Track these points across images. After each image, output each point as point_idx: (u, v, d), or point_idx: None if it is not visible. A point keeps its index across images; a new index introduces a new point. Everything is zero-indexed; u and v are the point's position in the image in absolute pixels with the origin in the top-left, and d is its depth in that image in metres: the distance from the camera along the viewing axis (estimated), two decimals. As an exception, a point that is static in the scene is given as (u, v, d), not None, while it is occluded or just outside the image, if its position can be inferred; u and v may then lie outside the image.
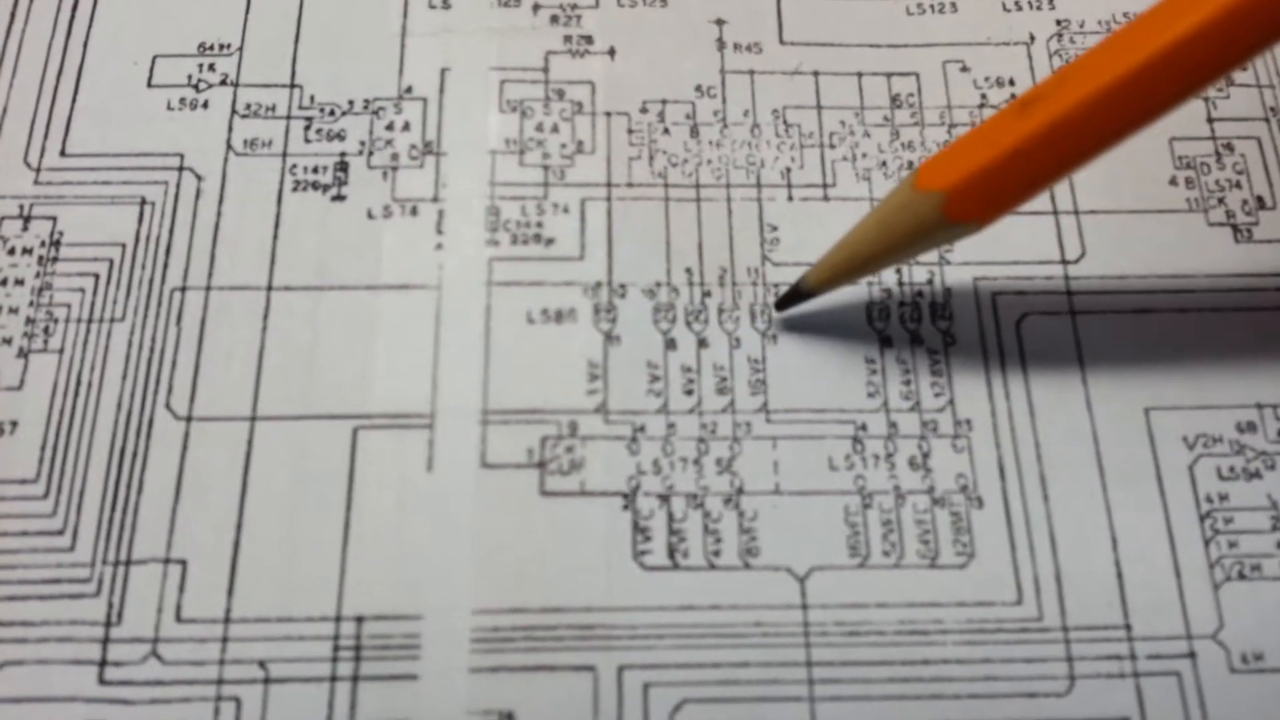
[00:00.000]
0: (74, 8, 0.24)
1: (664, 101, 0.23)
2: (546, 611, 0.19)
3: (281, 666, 0.19)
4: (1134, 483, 0.20)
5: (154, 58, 0.23)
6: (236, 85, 0.23)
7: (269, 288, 0.21)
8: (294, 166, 0.22)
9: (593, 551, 0.20)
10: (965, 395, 0.21)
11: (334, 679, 0.19)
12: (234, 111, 0.23)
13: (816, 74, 0.24)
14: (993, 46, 0.24)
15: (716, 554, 0.20)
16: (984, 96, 0.23)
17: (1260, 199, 0.23)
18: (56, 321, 0.21)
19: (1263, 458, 0.20)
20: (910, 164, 0.23)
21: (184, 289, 0.21)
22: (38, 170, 0.22)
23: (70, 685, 0.19)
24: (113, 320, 0.21)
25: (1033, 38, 0.24)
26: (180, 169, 0.22)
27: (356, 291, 0.21)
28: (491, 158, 0.23)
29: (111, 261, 0.21)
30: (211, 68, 0.23)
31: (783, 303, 0.21)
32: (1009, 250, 0.22)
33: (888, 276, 0.22)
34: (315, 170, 0.22)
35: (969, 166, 0.18)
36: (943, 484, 0.20)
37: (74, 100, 0.23)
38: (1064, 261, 0.22)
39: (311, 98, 0.23)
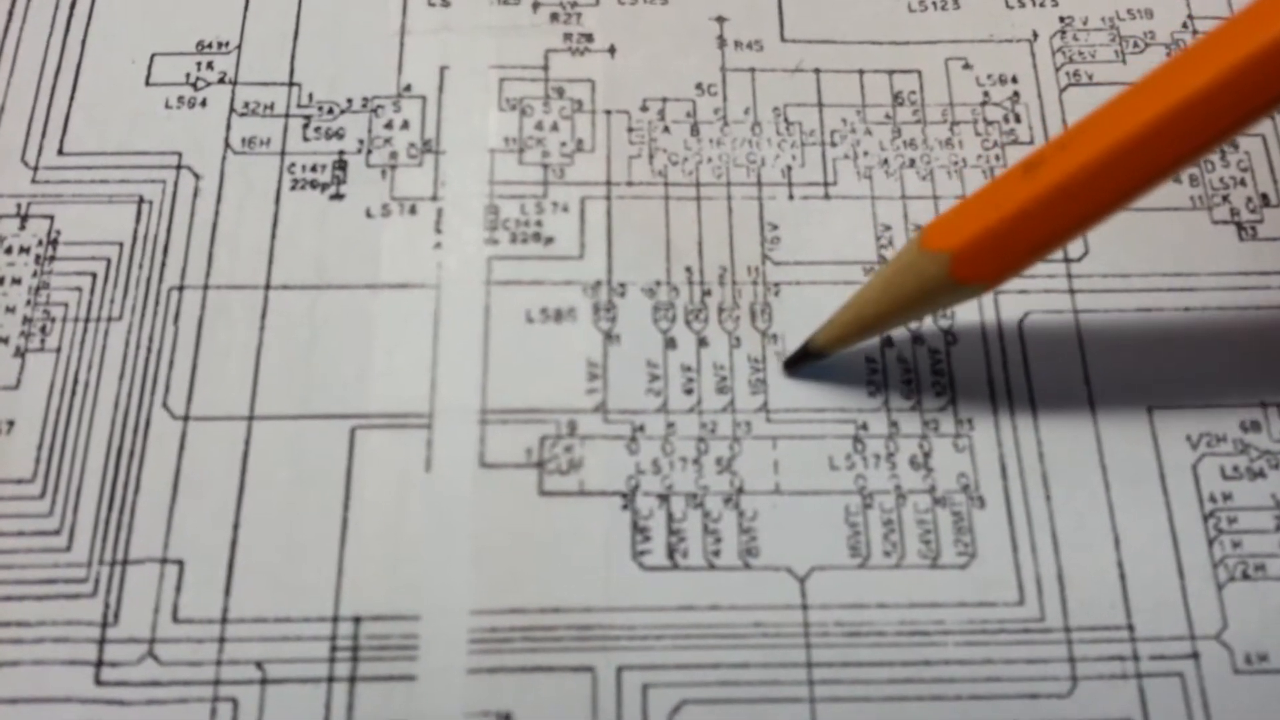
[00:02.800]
0: (72, 6, 0.24)
1: (664, 99, 0.23)
2: (545, 612, 0.19)
3: (278, 667, 0.19)
4: (1137, 482, 0.20)
5: (152, 56, 0.23)
6: (235, 83, 0.23)
7: (267, 287, 0.21)
8: (292, 165, 0.22)
9: (592, 552, 0.20)
10: (967, 394, 0.21)
11: (331, 680, 0.19)
12: (232, 110, 0.23)
13: (818, 71, 0.23)
14: (995, 44, 0.24)
15: (716, 554, 0.20)
16: (986, 94, 0.23)
17: (1265, 196, 0.22)
18: (54, 320, 0.21)
19: (1267, 457, 0.20)
20: (912, 161, 0.23)
21: (182, 288, 0.21)
22: (35, 169, 0.22)
23: (66, 686, 0.19)
24: (110, 319, 0.21)
25: (1036, 35, 0.24)
26: (178, 167, 0.22)
27: (355, 290, 0.21)
28: (491, 156, 0.22)
29: (109, 260, 0.21)
30: (210, 66, 0.23)
31: (791, 363, 0.21)
32: (1011, 248, 0.22)
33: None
34: (314, 169, 0.22)
35: (975, 227, 0.18)
36: (944, 483, 0.20)
37: (71, 98, 0.23)
38: (1067, 260, 0.22)
39: (310, 96, 0.23)
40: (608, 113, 0.23)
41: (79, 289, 0.21)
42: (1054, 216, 0.18)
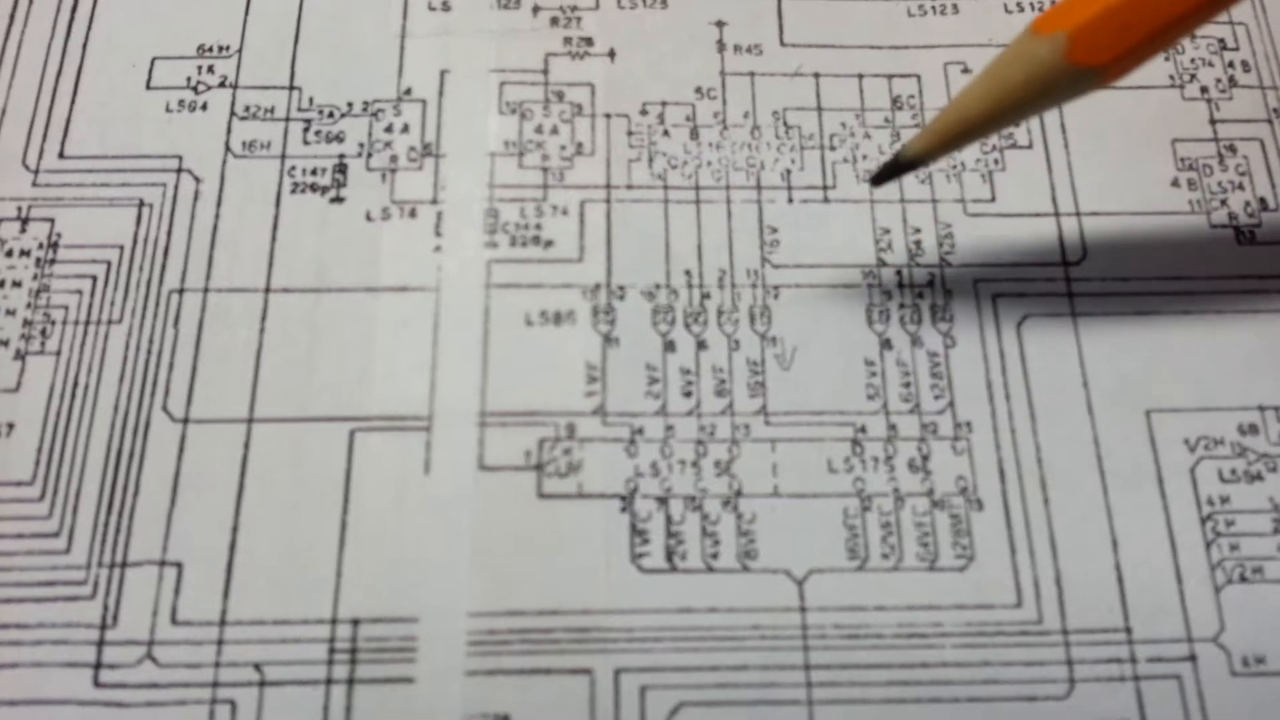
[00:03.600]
0: (73, 9, 0.24)
1: (664, 103, 0.23)
2: (543, 614, 0.19)
3: (277, 669, 0.19)
4: (1135, 485, 0.20)
5: (153, 60, 0.23)
6: (235, 87, 0.23)
7: (267, 290, 0.21)
8: (292, 168, 0.22)
9: (590, 554, 0.20)
10: (965, 397, 0.21)
11: (329, 682, 0.19)
12: (233, 113, 0.23)
13: (817, 76, 0.23)
14: (994, 48, 0.24)
15: (715, 556, 0.20)
16: (985, 98, 0.23)
17: (1263, 201, 0.22)
18: (54, 323, 0.21)
19: (1264, 460, 0.20)
20: (910, 165, 0.23)
21: (182, 291, 0.21)
22: (36, 172, 0.22)
23: (65, 688, 0.19)
24: (110, 322, 0.21)
25: (1034, 39, 0.24)
26: (179, 171, 0.22)
27: (355, 294, 0.21)
28: (491, 160, 0.23)
29: (109, 263, 0.21)
30: (210, 70, 0.23)
31: (880, 177, 0.20)
32: (1010, 252, 0.22)
33: (887, 276, 0.21)
34: (314, 172, 0.22)
35: (1095, 7, 0.17)
36: (942, 486, 0.20)
37: (72, 102, 0.23)
38: (1065, 263, 0.22)
39: (310, 100, 0.23)
40: (607, 116, 0.23)
41: (79, 292, 0.21)
42: None
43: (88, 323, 0.21)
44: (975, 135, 0.19)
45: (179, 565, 0.19)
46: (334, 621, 0.19)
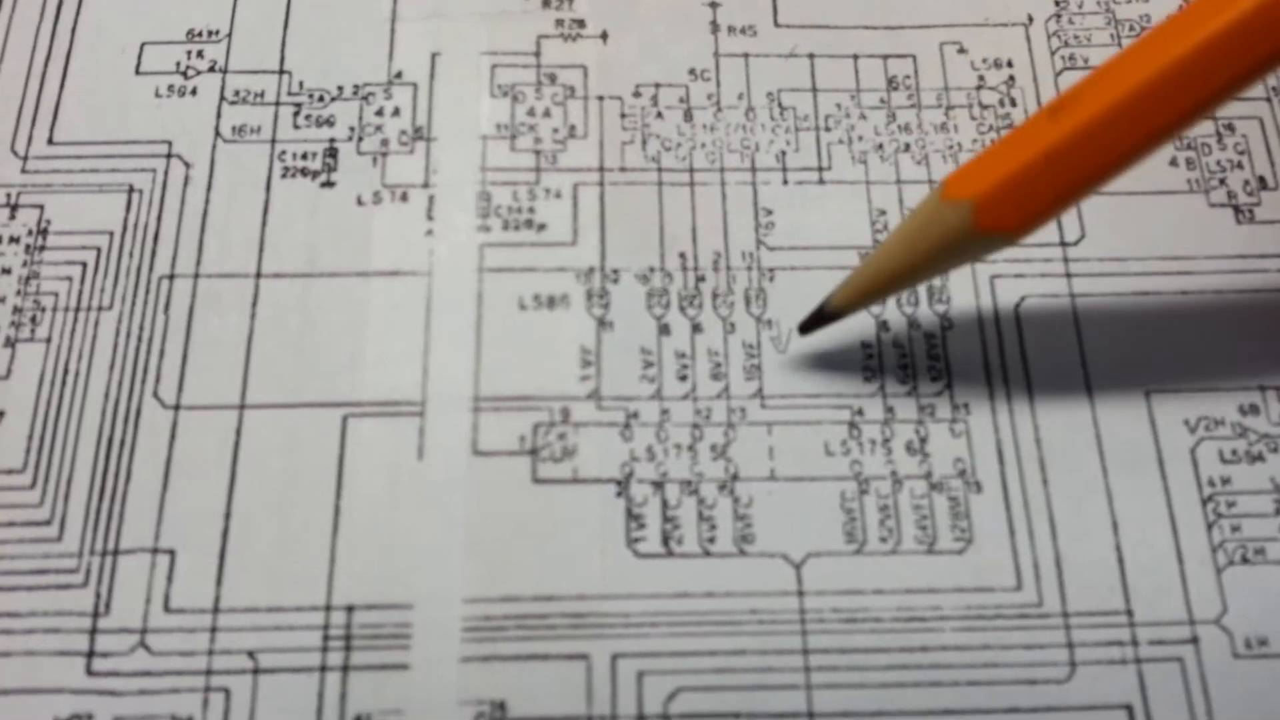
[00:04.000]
0: (61, -5, 0.24)
1: (657, 85, 0.23)
2: (539, 600, 0.19)
3: (271, 657, 0.19)
4: (1135, 466, 0.20)
5: (142, 45, 0.23)
6: (225, 72, 0.23)
7: (258, 275, 0.21)
8: (283, 153, 0.22)
9: (586, 539, 0.19)
10: (963, 379, 0.21)
11: (324, 669, 0.18)
12: (223, 98, 0.23)
13: (812, 56, 0.23)
14: (990, 27, 0.24)
15: (711, 541, 0.19)
16: (981, 78, 0.23)
17: (1262, 179, 0.22)
18: (44, 310, 0.21)
19: (1265, 440, 0.20)
20: (907, 146, 0.22)
21: (172, 277, 0.21)
22: (25, 158, 0.22)
23: (58, 676, 0.18)
24: (100, 309, 0.21)
25: (1031, 19, 0.24)
26: (168, 156, 0.22)
27: (346, 278, 0.21)
28: (483, 143, 0.22)
29: (99, 250, 0.21)
30: (200, 55, 0.23)
31: (806, 326, 0.20)
32: (1007, 233, 0.22)
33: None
34: (304, 157, 0.22)
35: (999, 174, 0.18)
36: (940, 469, 0.20)
37: (61, 88, 0.23)
38: (1063, 244, 0.22)
39: (300, 84, 0.23)
40: (600, 99, 0.23)
41: (69, 278, 0.21)
42: (1081, 159, 0.17)
43: (78, 309, 0.21)
44: (893, 290, 0.19)
45: (171, 552, 0.19)
46: (328, 608, 0.19)
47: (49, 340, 0.21)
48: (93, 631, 0.19)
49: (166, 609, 0.19)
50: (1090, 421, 0.20)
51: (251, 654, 0.19)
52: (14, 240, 0.21)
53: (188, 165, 0.22)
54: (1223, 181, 0.22)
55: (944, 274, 0.20)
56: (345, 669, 0.19)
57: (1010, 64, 0.23)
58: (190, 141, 0.22)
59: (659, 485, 0.20)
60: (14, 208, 0.22)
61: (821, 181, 0.22)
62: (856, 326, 0.21)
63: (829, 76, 0.23)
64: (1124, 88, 0.17)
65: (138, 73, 0.23)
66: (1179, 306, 0.21)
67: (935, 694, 0.18)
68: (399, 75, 0.23)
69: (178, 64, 0.23)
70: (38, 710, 0.18)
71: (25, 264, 0.21)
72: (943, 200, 0.18)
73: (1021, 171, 0.17)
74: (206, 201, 0.22)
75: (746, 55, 0.23)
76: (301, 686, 0.18)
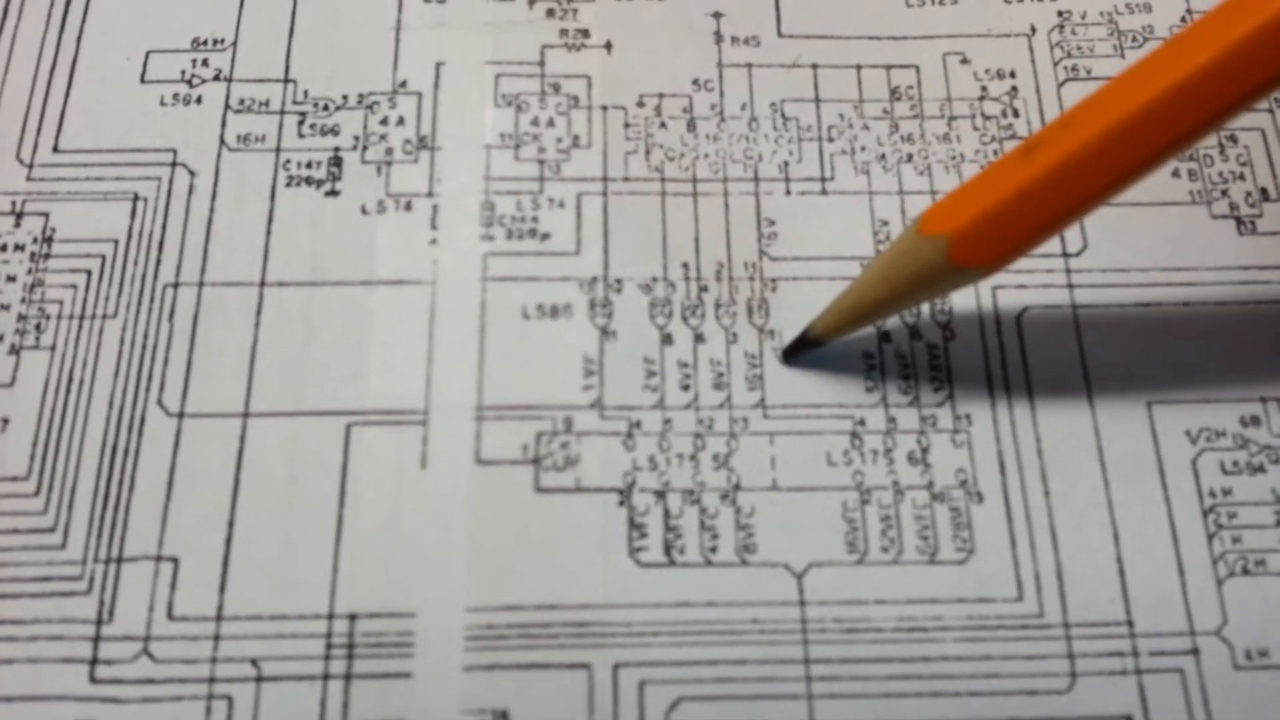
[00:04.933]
0: (67, 3, 0.24)
1: (661, 95, 0.23)
2: (541, 609, 0.19)
3: (274, 665, 0.19)
4: (1136, 477, 0.20)
5: (147, 53, 0.23)
6: (230, 80, 0.23)
7: (262, 283, 0.21)
8: (287, 162, 0.22)
9: (588, 548, 0.19)
10: (965, 390, 0.21)
11: (327, 677, 0.19)
12: (227, 107, 0.23)
13: (815, 67, 0.23)
14: (993, 38, 0.24)
15: (713, 550, 0.19)
16: (984, 89, 0.23)
17: (1264, 191, 0.22)
18: (48, 318, 0.21)
19: (1267, 452, 0.20)
20: (910, 156, 0.23)
21: (177, 285, 0.21)
22: (30, 166, 0.22)
23: (61, 684, 0.18)
24: (105, 317, 0.21)
25: (1034, 29, 0.24)
26: (173, 164, 0.22)
27: (350, 287, 0.21)
28: (487, 152, 0.22)
29: (104, 258, 0.21)
30: (205, 63, 0.23)
31: (790, 352, 0.21)
32: (1009, 243, 0.22)
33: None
34: (309, 165, 0.22)
35: (973, 210, 0.18)
36: (942, 479, 0.20)
37: (67, 96, 0.23)
38: (1065, 255, 0.22)
39: (305, 93, 0.23)
40: (604, 108, 0.23)
41: (74, 286, 0.21)
42: (1053, 198, 0.17)
43: (82, 317, 0.21)
44: (871, 320, 0.20)
45: (175, 560, 0.19)
46: (331, 616, 0.19)
47: (54, 348, 0.21)
48: (96, 639, 0.19)
49: (170, 617, 0.19)
50: (1092, 432, 0.20)
51: (254, 662, 0.19)
52: (19, 248, 0.21)
53: (192, 173, 0.22)
54: (1225, 193, 0.22)
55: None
56: (348, 677, 0.19)
57: (1013, 75, 0.23)
58: (195, 150, 0.22)
59: (661, 495, 0.20)
60: (19, 215, 0.22)
61: (824, 192, 0.22)
62: (858, 337, 0.21)
63: (832, 87, 0.23)
64: (1096, 128, 0.17)
65: (143, 81, 0.23)
66: (1181, 317, 0.21)
67: (936, 704, 0.19)
68: (403, 84, 0.23)
69: (183, 72, 0.23)
70: (41, 717, 0.18)
71: (30, 271, 0.21)
72: (919, 234, 0.18)
73: (995, 209, 0.18)
74: (211, 210, 0.22)
75: (750, 66, 0.23)
76: (304, 695, 0.18)
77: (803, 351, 0.21)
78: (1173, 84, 0.16)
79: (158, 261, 0.21)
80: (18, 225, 0.22)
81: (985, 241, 0.18)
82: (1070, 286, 0.21)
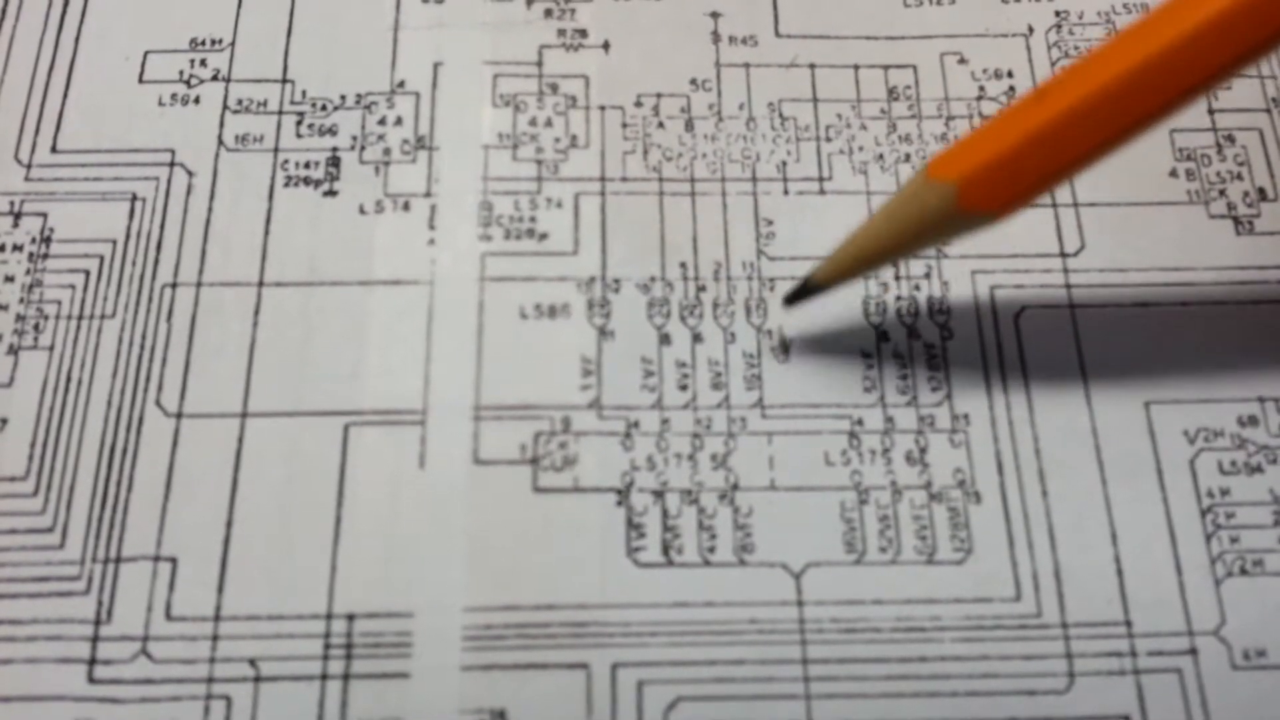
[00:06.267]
0: (65, 3, 0.24)
1: (659, 95, 0.23)
2: (539, 609, 0.19)
3: (272, 665, 0.19)
4: (1134, 477, 0.20)
5: (145, 53, 0.23)
6: (228, 81, 0.23)
7: (260, 284, 0.21)
8: (285, 162, 0.22)
9: (586, 548, 0.19)
10: (963, 390, 0.21)
11: (325, 677, 0.19)
12: (225, 107, 0.23)
13: (813, 66, 0.23)
14: (991, 38, 0.24)
15: (711, 550, 0.19)
16: (982, 89, 0.23)
17: (1262, 191, 0.22)
18: (47, 318, 0.21)
19: (1265, 452, 0.20)
20: (907, 156, 0.23)
21: (175, 285, 0.21)
22: (28, 166, 0.22)
23: (59, 684, 0.18)
24: (103, 317, 0.21)
25: (1031, 29, 0.24)
26: (171, 165, 0.22)
27: (348, 287, 0.21)
28: (485, 152, 0.22)
29: (102, 258, 0.21)
30: (203, 63, 0.23)
31: (791, 298, 0.21)
32: (1007, 243, 0.22)
33: (884, 269, 0.21)
34: (307, 165, 0.22)
35: (983, 155, 0.18)
36: (940, 479, 0.20)
37: (65, 96, 0.23)
38: (1063, 255, 0.22)
39: (303, 93, 0.23)
40: (602, 108, 0.23)
41: (72, 286, 0.21)
42: (1063, 144, 0.17)
43: (81, 317, 0.21)
44: (875, 266, 0.20)
45: (173, 560, 0.19)
46: (329, 617, 0.19)
47: (52, 348, 0.21)
48: (94, 639, 0.19)
49: (168, 617, 0.19)
50: (1090, 432, 0.20)
51: (253, 662, 0.19)
52: (17, 248, 0.21)
53: (190, 174, 0.22)
54: (1223, 193, 0.22)
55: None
56: (346, 677, 0.19)
57: (1011, 74, 0.23)
58: (193, 150, 0.22)
59: (659, 494, 0.20)
60: (17, 215, 0.22)
61: (822, 192, 0.22)
62: (856, 337, 0.21)
63: (830, 87, 0.23)
64: (1108, 74, 0.17)
65: (141, 81, 0.23)
66: (1178, 317, 0.21)
67: (934, 704, 0.19)
68: (401, 84, 0.23)
69: (181, 73, 0.23)
70: (39, 718, 0.18)
71: (28, 272, 0.21)
72: (928, 179, 0.18)
73: (1005, 154, 0.18)
74: (209, 210, 0.22)
75: (748, 65, 0.23)
76: (302, 695, 0.18)
77: (805, 298, 0.20)
78: (1186, 31, 0.16)
79: (156, 261, 0.21)
80: (16, 225, 0.22)
81: (994, 187, 0.18)
82: (1068, 286, 0.21)
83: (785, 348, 0.21)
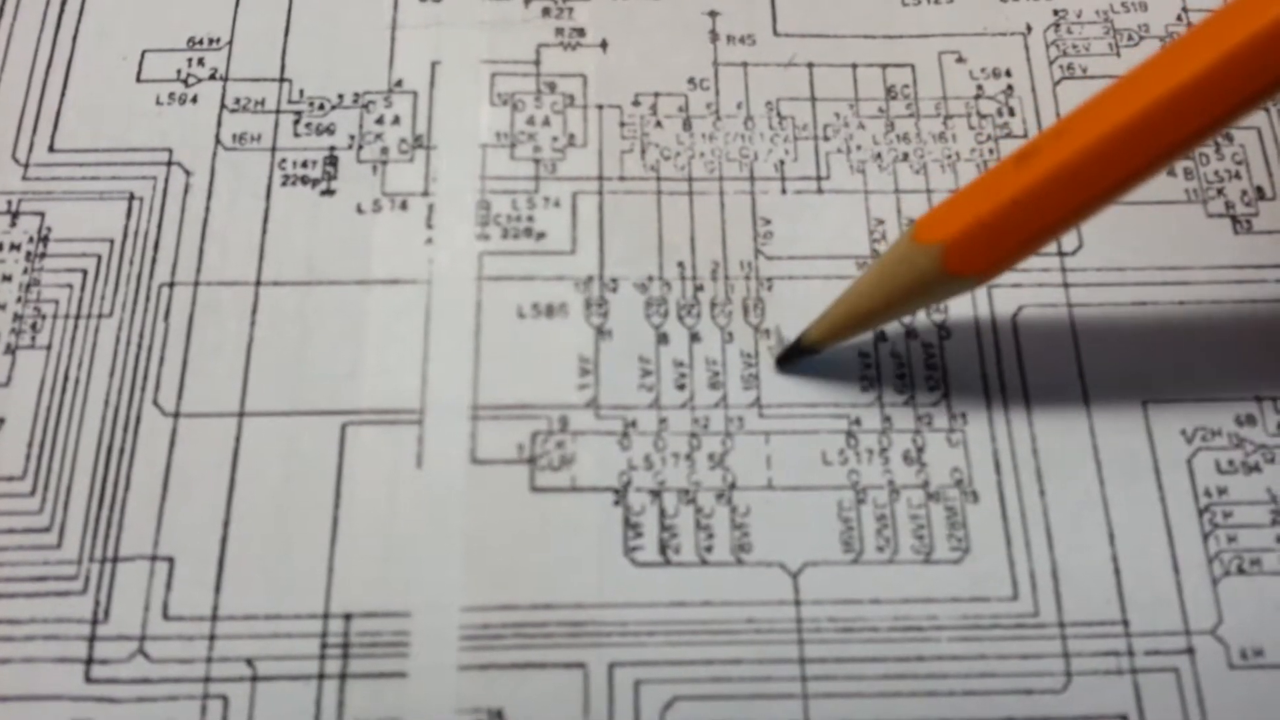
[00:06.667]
0: (63, 3, 0.24)
1: (656, 94, 0.23)
2: (536, 608, 0.19)
3: (269, 664, 0.19)
4: (1132, 477, 0.20)
5: (143, 52, 0.23)
6: (226, 80, 0.23)
7: (258, 283, 0.21)
8: (283, 161, 0.22)
9: (583, 548, 0.19)
10: (960, 389, 0.21)
11: (322, 677, 0.19)
12: (223, 106, 0.23)
13: (810, 65, 0.23)
14: (989, 37, 0.24)
15: (709, 550, 0.19)
16: (980, 88, 0.23)
17: (1260, 190, 0.22)
18: (44, 318, 0.21)
19: (1262, 451, 0.20)
20: (905, 155, 0.23)
21: (172, 284, 0.21)
22: (26, 166, 0.22)
23: (56, 683, 0.18)
24: (100, 316, 0.21)
25: (1029, 28, 0.24)
26: (169, 164, 0.22)
27: (346, 286, 0.21)
28: (482, 151, 0.22)
29: (99, 257, 0.21)
30: (201, 62, 0.23)
31: (784, 359, 0.21)
32: (1005, 243, 0.22)
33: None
34: (304, 165, 0.22)
35: (967, 218, 0.18)
36: (937, 478, 0.20)
37: (62, 95, 0.23)
38: (1061, 253, 0.22)
39: (301, 92, 0.23)
40: (600, 107, 0.23)
41: (70, 286, 0.21)
42: (1046, 207, 0.17)
43: (78, 317, 0.21)
44: (866, 327, 0.20)
45: (170, 560, 0.19)
46: (326, 616, 0.19)
47: (49, 347, 0.21)
48: (91, 639, 0.19)
49: (165, 616, 0.19)
50: (1087, 431, 0.20)
51: (250, 661, 0.19)
52: (15, 247, 0.21)
53: (188, 173, 0.22)
54: (1220, 192, 0.22)
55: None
56: (343, 677, 0.19)
57: (1009, 73, 0.23)
58: (191, 149, 0.22)
59: (656, 494, 0.20)
60: (15, 215, 0.22)
61: (820, 191, 0.22)
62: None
63: (827, 86, 0.23)
64: (1090, 136, 0.17)
65: (138, 80, 0.23)
66: (1176, 317, 0.21)
67: (931, 704, 0.19)
68: (399, 83, 0.23)
69: (178, 72, 0.23)
70: (37, 717, 0.18)
71: (26, 271, 0.21)
72: (914, 242, 0.18)
73: (989, 218, 0.18)
74: (207, 209, 0.22)
75: (745, 64, 0.23)
76: (299, 694, 0.18)
77: (797, 359, 0.21)
78: (1166, 92, 0.16)
79: (153, 261, 0.21)
80: (13, 225, 0.22)
81: (979, 250, 0.18)
82: (1066, 286, 0.21)
83: (784, 347, 0.21)
